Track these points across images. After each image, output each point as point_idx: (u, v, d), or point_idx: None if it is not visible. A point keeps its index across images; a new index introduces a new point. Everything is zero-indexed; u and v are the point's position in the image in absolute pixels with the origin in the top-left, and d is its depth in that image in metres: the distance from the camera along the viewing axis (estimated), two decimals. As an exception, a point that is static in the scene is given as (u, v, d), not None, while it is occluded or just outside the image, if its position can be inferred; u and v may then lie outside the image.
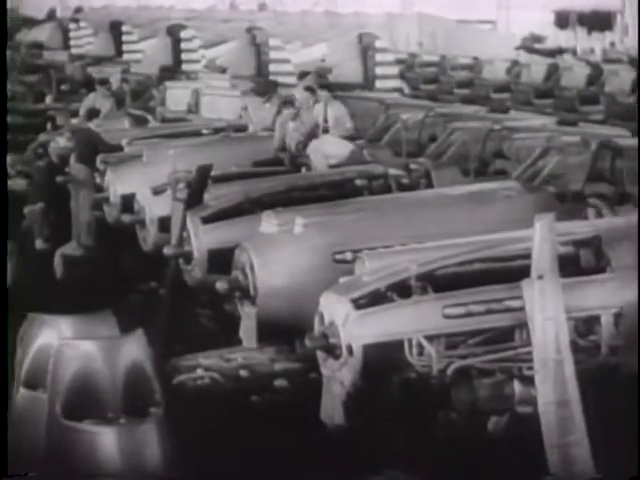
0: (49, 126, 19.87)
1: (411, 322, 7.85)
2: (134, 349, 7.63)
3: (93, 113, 16.05)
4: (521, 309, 7.57)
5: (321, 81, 18.42)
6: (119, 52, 32.82)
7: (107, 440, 7.35)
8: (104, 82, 21.12)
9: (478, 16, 36.00)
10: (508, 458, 7.63)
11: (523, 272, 7.53)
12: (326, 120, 14.51)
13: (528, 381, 7.64)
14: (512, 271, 7.97)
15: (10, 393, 7.92)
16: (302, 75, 17.39)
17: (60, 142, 16.34)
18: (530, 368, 7.54)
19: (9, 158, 16.06)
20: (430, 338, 7.80)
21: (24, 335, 8.05)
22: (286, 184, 11.75)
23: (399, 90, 23.29)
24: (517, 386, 7.78)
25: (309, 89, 14.90)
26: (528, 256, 7.48)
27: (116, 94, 21.12)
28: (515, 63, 28.00)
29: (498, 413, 7.81)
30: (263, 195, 11.32)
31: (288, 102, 14.82)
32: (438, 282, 8.12)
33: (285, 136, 14.13)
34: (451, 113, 15.36)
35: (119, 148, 14.99)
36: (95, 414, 7.44)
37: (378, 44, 25.66)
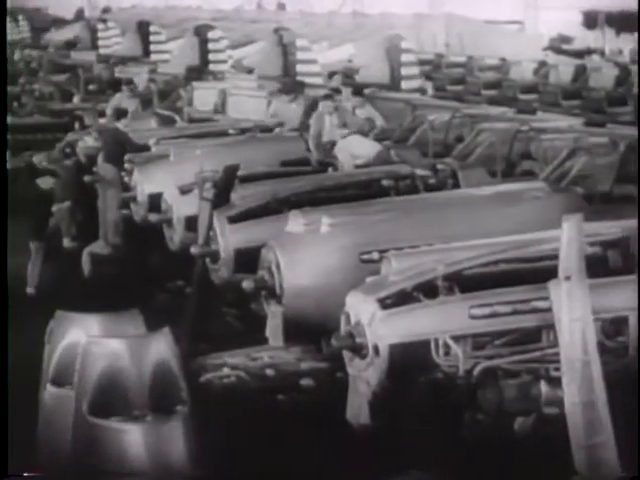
0: (77, 125, 19.95)
1: (437, 322, 7.84)
2: (161, 347, 7.67)
3: (121, 113, 16.12)
4: (548, 310, 7.54)
5: (347, 82, 18.45)
6: (147, 52, 32.94)
7: (133, 438, 7.39)
8: (130, 82, 21.23)
9: (505, 17, 35.88)
10: (534, 459, 7.61)
11: (550, 273, 7.50)
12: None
13: (555, 382, 7.61)
14: (539, 272, 7.95)
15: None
16: (331, 75, 17.39)
17: (88, 141, 16.42)
18: (557, 369, 7.52)
19: (36, 158, 16.17)
20: (456, 338, 7.79)
21: (52, 333, 8.11)
22: (313, 184, 11.76)
23: (420, 91, 23.26)
24: (544, 387, 7.76)
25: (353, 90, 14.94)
26: (555, 257, 7.46)
27: (142, 94, 21.22)
28: (543, 64, 27.91)
29: (524, 414, 7.79)
30: (290, 195, 11.33)
31: (327, 96, 14.78)
32: (465, 282, 8.11)
33: (322, 130, 14.10)
34: (478, 114, 15.36)
35: (146, 148, 15.05)
36: (122, 412, 7.48)
37: (405, 45, 25.64)
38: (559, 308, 7.33)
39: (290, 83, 21.47)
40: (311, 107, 15.48)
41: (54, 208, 14.36)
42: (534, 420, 7.79)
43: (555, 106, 23.19)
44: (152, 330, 8.00)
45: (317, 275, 9.69)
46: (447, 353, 7.80)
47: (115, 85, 23.32)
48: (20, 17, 44.52)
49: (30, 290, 13.39)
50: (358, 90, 15.66)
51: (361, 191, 11.53)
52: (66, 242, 14.18)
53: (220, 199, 11.24)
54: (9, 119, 20.58)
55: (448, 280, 8.05)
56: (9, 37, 43.23)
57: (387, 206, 10.83)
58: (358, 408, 8.15)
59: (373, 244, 9.73)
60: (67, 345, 7.89)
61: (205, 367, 9.50)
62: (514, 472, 7.60)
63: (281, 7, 41.93)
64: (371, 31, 29.44)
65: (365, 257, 9.68)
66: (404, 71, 24.94)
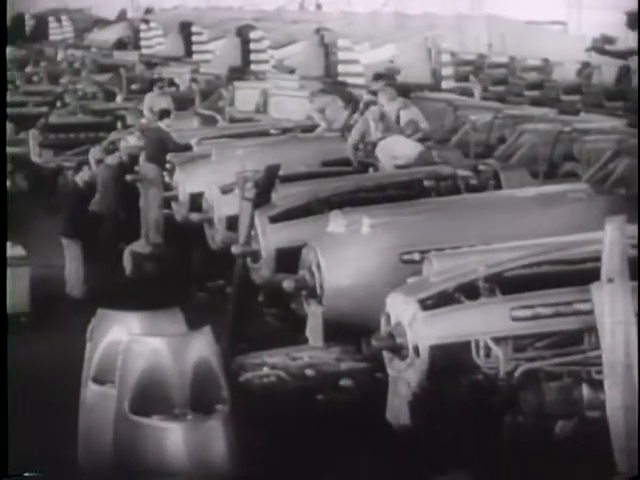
0: (119, 125, 20.07)
1: (478, 324, 7.81)
2: (202, 346, 7.70)
3: (164, 113, 16.19)
4: (590, 312, 7.50)
5: (389, 82, 18.40)
6: (189, 52, 33.07)
7: (174, 436, 7.42)
8: (161, 81, 21.35)
9: (548, 17, 35.65)
10: (575, 462, 7.56)
11: (593, 275, 7.46)
12: (398, 122, 14.48)
13: (597, 385, 7.56)
14: (581, 274, 7.90)
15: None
16: (377, 77, 17.34)
17: (130, 141, 16.51)
18: (599, 372, 7.47)
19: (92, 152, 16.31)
20: (498, 340, 7.75)
21: (94, 331, 8.16)
22: (354, 184, 11.75)
23: (467, 92, 23.16)
24: (586, 390, 7.71)
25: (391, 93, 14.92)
26: (598, 259, 7.41)
27: (177, 93, 21.32)
28: (586, 65, 27.71)
29: (566, 417, 7.74)
30: (331, 195, 11.33)
31: (372, 103, 14.77)
32: (506, 284, 8.08)
33: (366, 133, 14.08)
34: (520, 115, 15.28)
35: (188, 147, 15.10)
36: (162, 410, 7.51)
37: (446, 45, 25.56)
38: (601, 311, 7.29)
39: (331, 84, 21.49)
40: (354, 110, 15.45)
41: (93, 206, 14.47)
42: (575, 423, 7.74)
43: (598, 107, 22.99)
44: (193, 329, 8.03)
45: (357, 275, 9.67)
46: (488, 355, 7.76)
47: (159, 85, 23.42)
48: (63, 17, 44.84)
49: (74, 292, 13.35)
50: (403, 91, 15.61)
51: (402, 192, 11.50)
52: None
53: (261, 199, 11.25)
54: (52, 118, 20.74)
55: (489, 281, 8.02)
56: (52, 37, 43.59)
57: (428, 207, 10.80)
58: (398, 409, 8.13)
59: (414, 245, 9.70)
60: (109, 343, 7.94)
61: (245, 366, 9.52)
62: (554, 475, 7.57)
63: (318, 7, 41.90)
64: (413, 31, 29.36)
65: (406, 258, 9.66)
66: (445, 71, 24.86)
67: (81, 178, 13.67)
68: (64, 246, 13.46)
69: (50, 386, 10.07)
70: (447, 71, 25.01)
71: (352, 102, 16.12)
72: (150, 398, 7.51)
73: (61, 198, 13.97)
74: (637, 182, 10.27)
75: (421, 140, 13.99)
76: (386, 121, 14.20)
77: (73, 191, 13.87)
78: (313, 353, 9.68)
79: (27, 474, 7.59)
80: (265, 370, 9.46)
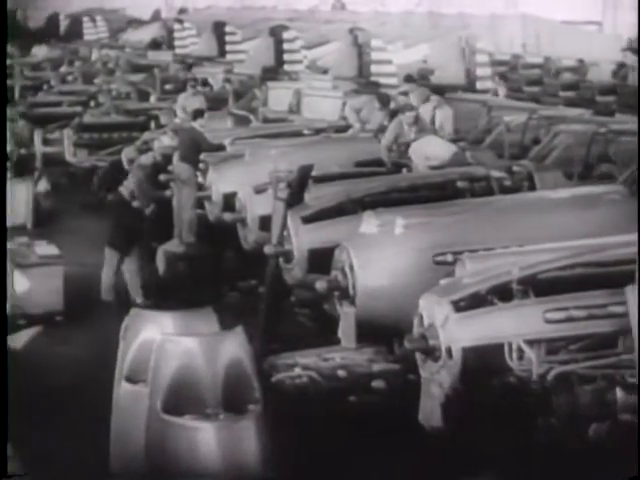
0: (153, 125, 20.15)
1: (512, 326, 7.78)
2: (234, 346, 7.71)
3: (197, 113, 16.23)
4: (624, 315, 7.45)
5: (422, 82, 18.37)
6: (222, 52, 33.14)
7: (206, 436, 7.43)
8: (194, 81, 21.40)
9: (583, 17, 35.45)
10: (608, 465, 7.52)
11: (627, 277, 7.41)
12: (433, 122, 14.46)
13: (631, 388, 7.52)
14: (616, 276, 7.85)
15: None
16: (407, 79, 17.30)
17: (164, 141, 16.56)
18: (633, 375, 7.43)
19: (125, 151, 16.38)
20: (531, 342, 7.72)
21: (127, 330, 8.19)
22: (387, 185, 11.72)
23: (493, 92, 23.08)
24: (619, 393, 7.65)
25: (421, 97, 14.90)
26: (632, 261, 7.37)
27: (210, 93, 21.37)
28: (621, 65, 27.54)
29: (599, 420, 7.69)
30: (364, 195, 11.31)
31: (410, 107, 14.74)
32: (540, 286, 8.04)
33: (400, 135, 14.06)
34: (555, 116, 15.21)
35: (222, 147, 15.13)
36: (195, 410, 7.53)
37: (480, 45, 25.47)
38: (635, 313, 7.23)
39: (365, 84, 21.47)
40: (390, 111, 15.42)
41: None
42: (609, 426, 7.69)
43: (634, 108, 22.84)
44: (225, 329, 8.05)
45: (390, 276, 9.65)
46: (521, 357, 7.74)
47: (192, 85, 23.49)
48: (98, 17, 45.08)
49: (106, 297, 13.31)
50: (437, 90, 15.57)
51: (436, 192, 11.47)
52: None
53: (294, 199, 11.25)
54: (86, 118, 20.85)
55: (523, 283, 7.98)
56: (87, 37, 43.83)
57: (462, 208, 10.76)
58: (430, 411, 8.11)
59: (447, 246, 9.67)
60: (142, 342, 7.96)
61: (277, 367, 9.51)
62: (587, 478, 7.53)
63: (342, 7, 41.82)
64: (446, 31, 29.28)
65: (439, 259, 9.63)
66: (480, 72, 24.78)
67: (126, 189, 13.44)
68: (105, 254, 13.26)
69: (84, 385, 10.13)
70: (481, 71, 24.93)
71: (388, 104, 16.10)
72: (182, 397, 7.53)
73: (108, 208, 13.74)
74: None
75: (454, 141, 13.96)
76: (420, 124, 14.18)
77: (118, 203, 13.49)
78: (345, 354, 9.67)
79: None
80: (297, 371, 9.46)
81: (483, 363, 7.79)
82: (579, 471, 7.56)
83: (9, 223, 17.06)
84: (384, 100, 16.33)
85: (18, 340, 11.89)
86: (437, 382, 7.99)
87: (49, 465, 8.56)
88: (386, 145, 13.95)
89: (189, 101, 19.51)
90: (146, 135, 18.12)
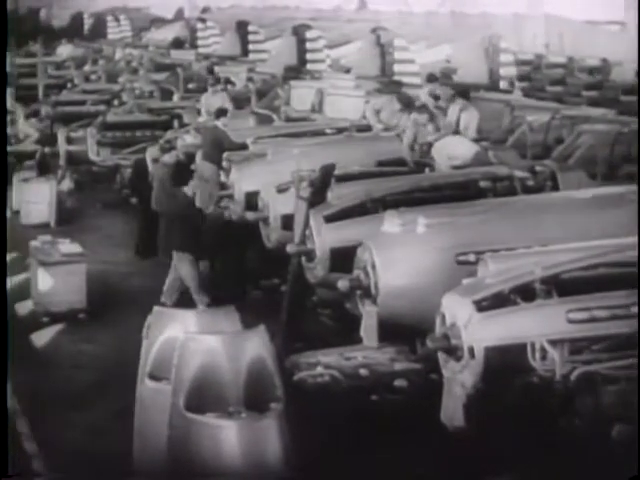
0: (176, 124, 20.20)
1: (534, 326, 7.76)
2: (256, 344, 7.72)
3: (220, 112, 16.26)
4: (647, 315, 7.43)
5: (445, 82, 18.33)
6: (245, 52, 33.20)
7: (228, 433, 7.44)
8: (217, 82, 21.44)
9: (607, 17, 35.33)
10: (631, 466, 7.48)
11: (651, 278, 7.39)
12: (458, 124, 14.44)
13: (654, 389, 7.49)
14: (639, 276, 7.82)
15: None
16: (430, 78, 17.28)
17: (187, 139, 16.60)
18: (656, 376, 7.39)
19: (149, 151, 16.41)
20: (554, 342, 7.70)
21: (150, 328, 8.21)
22: (409, 184, 11.71)
23: (509, 91, 23.04)
24: (643, 394, 7.63)
25: (444, 96, 14.87)
26: (656, 261, 7.33)
27: (234, 92, 21.40)
28: (645, 65, 27.43)
29: (623, 420, 7.66)
30: (386, 195, 11.30)
31: (422, 108, 14.74)
32: (562, 286, 8.02)
33: (417, 135, 14.06)
34: (578, 115, 15.15)
35: (244, 146, 15.15)
36: (217, 407, 7.54)
37: (504, 45, 25.42)
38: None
39: (387, 83, 21.44)
40: (418, 111, 15.40)
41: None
42: (633, 427, 7.65)
43: (657, 108, 22.74)
44: (248, 327, 8.06)
45: (413, 276, 9.64)
46: (544, 357, 7.72)
47: (214, 84, 23.54)
48: (121, 17, 45.24)
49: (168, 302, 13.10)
50: (463, 92, 15.53)
51: (458, 192, 11.45)
52: None
53: (316, 198, 11.26)
54: (110, 116, 20.92)
55: (546, 283, 7.97)
56: (111, 36, 44.01)
57: (484, 207, 10.73)
58: (452, 410, 8.10)
59: (470, 245, 9.65)
60: (165, 340, 7.99)
61: (299, 365, 9.52)
62: (610, 479, 7.50)
63: (362, 5, 41.79)
64: (470, 31, 29.24)
65: (461, 258, 9.61)
66: (503, 71, 24.73)
67: (192, 189, 13.22)
68: (174, 259, 13.02)
69: (106, 382, 10.18)
70: (504, 71, 24.88)
71: (409, 105, 16.08)
72: (205, 395, 7.54)
73: (173, 211, 13.31)
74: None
75: (477, 140, 13.93)
76: (435, 122, 14.17)
77: (187, 204, 12.90)
78: (367, 353, 9.66)
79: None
80: (319, 369, 9.46)
81: (506, 363, 7.78)
82: (602, 471, 7.54)
83: (32, 221, 17.28)
84: (404, 101, 16.31)
85: (41, 337, 11.95)
86: (459, 382, 7.98)
87: (72, 463, 8.59)
88: (408, 143, 13.95)
89: (213, 100, 19.55)
90: (169, 134, 18.16)
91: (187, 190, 12.94)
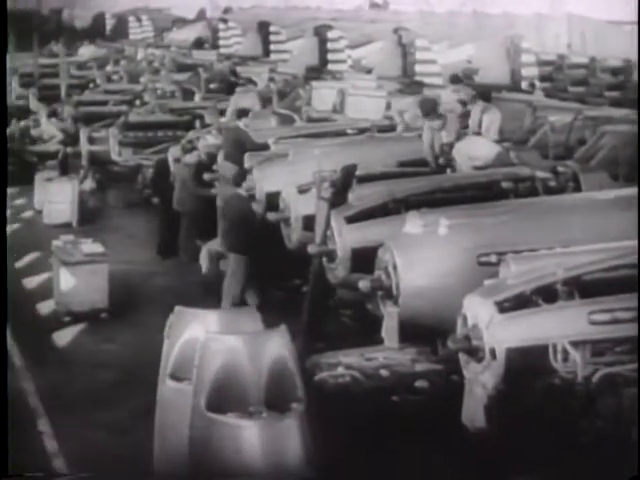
0: (197, 124, 20.23)
1: (556, 327, 7.74)
2: (278, 345, 7.72)
3: (242, 112, 16.28)
4: (671, 317, 7.39)
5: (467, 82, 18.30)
6: (267, 52, 33.23)
7: (249, 433, 7.45)
8: (250, 81, 21.49)
9: (629, 17, 35.21)
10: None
11: (674, 279, 7.35)
12: (480, 125, 14.41)
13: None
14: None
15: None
16: (453, 79, 17.27)
17: (209, 140, 16.62)
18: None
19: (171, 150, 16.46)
20: (576, 344, 7.68)
21: (171, 328, 8.23)
22: (431, 185, 11.69)
23: (529, 91, 22.97)
24: (665, 396, 7.60)
25: (467, 99, 14.84)
26: (679, 263, 7.30)
27: (260, 92, 21.41)
28: (668, 65, 27.30)
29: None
30: (408, 195, 11.28)
31: (439, 116, 14.71)
32: (584, 287, 8.00)
33: (434, 139, 14.04)
34: (600, 116, 15.09)
35: (266, 147, 15.16)
36: (238, 408, 7.55)
37: (525, 45, 25.35)
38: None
39: (409, 83, 21.41)
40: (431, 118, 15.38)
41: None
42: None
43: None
44: (269, 327, 8.07)
45: (434, 277, 9.63)
46: (566, 359, 7.70)
47: (236, 84, 23.61)
48: (143, 17, 45.35)
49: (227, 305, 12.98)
50: (485, 94, 15.48)
51: (480, 193, 11.43)
52: None
53: (338, 199, 11.26)
54: (131, 117, 20.97)
55: (568, 284, 7.95)
56: (133, 36, 44.12)
57: (506, 208, 10.71)
58: (473, 411, 8.09)
59: (491, 246, 9.64)
60: (186, 340, 8.00)
61: (320, 366, 9.52)
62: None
63: (385, 5, 41.71)
64: (491, 31, 29.18)
65: (483, 259, 9.59)
66: (525, 72, 24.67)
67: (247, 190, 13.12)
68: (231, 261, 12.98)
69: (128, 382, 10.20)
70: (526, 71, 24.82)
71: (431, 111, 16.04)
72: (226, 396, 7.55)
73: (228, 212, 13.20)
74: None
75: (498, 141, 13.90)
76: (449, 127, 14.14)
77: (243, 207, 12.74)
78: (388, 354, 9.66)
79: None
80: (340, 370, 9.46)
81: (527, 364, 7.76)
82: (623, 474, 7.51)
83: (55, 221, 17.35)
84: (426, 108, 16.26)
85: (63, 337, 12.00)
86: (481, 383, 7.97)
87: (93, 462, 8.62)
88: (429, 144, 13.92)
89: (242, 99, 19.55)
90: (191, 134, 18.18)
91: (241, 191, 12.86)
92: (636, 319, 7.76)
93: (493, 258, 9.44)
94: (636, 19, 35.14)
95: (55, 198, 17.61)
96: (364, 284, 9.90)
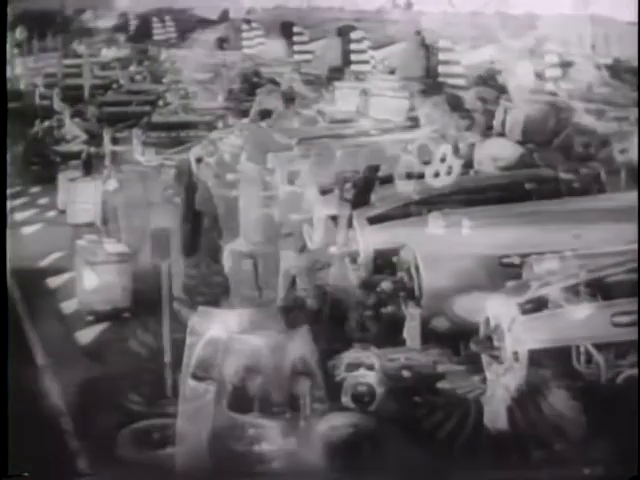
0: (220, 124, 20.24)
1: (579, 329, 7.72)
2: (300, 345, 7.74)
3: (265, 113, 16.29)
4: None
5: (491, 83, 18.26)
6: (290, 52, 33.21)
7: (272, 434, 7.47)
8: (273, 82, 21.48)
9: (654, 18, 35.02)
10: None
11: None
12: (503, 126, 14.38)
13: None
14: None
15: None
16: (478, 80, 17.24)
17: (232, 140, 16.63)
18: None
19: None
20: (598, 346, 7.65)
21: (194, 328, 8.25)
22: (454, 186, 11.67)
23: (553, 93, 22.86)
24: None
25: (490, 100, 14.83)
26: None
27: (285, 93, 21.41)
28: (692, 67, 27.15)
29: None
30: (430, 196, 11.28)
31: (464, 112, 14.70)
32: (607, 289, 7.97)
33: (458, 141, 14.01)
34: (624, 117, 15.01)
35: (288, 147, 15.16)
36: (260, 407, 7.57)
37: (549, 46, 25.23)
38: None
39: (432, 84, 21.38)
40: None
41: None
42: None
43: None
44: (291, 328, 8.08)
45: (456, 278, 9.62)
46: (589, 361, 7.67)
47: (259, 85, 23.61)
48: (167, 17, 45.41)
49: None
50: (508, 94, 15.47)
51: (503, 194, 11.41)
52: None
53: (360, 200, 11.25)
54: (154, 117, 21.03)
55: (590, 286, 7.93)
56: (156, 37, 44.20)
57: (529, 210, 10.69)
58: (496, 413, 8.07)
59: (514, 248, 9.62)
60: (209, 340, 8.03)
61: (341, 366, 9.52)
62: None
63: (409, 6, 41.66)
64: (515, 32, 29.07)
65: (506, 261, 9.58)
66: (548, 73, 24.55)
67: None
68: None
69: (150, 381, 10.23)
70: (550, 72, 24.71)
71: (457, 105, 16.02)
72: (248, 396, 7.57)
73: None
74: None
75: (522, 142, 13.86)
76: (477, 125, 14.11)
77: None
78: (410, 354, 9.66)
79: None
80: (362, 370, 9.46)
81: (550, 366, 7.73)
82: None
83: (78, 221, 17.41)
84: (453, 103, 16.23)
85: (86, 336, 12.04)
86: (503, 384, 7.95)
87: (114, 461, 8.65)
88: (452, 145, 13.89)
89: (267, 100, 19.56)
90: (214, 134, 18.21)
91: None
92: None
93: (516, 259, 9.41)
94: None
95: (79, 198, 17.67)
96: (386, 285, 9.90)
